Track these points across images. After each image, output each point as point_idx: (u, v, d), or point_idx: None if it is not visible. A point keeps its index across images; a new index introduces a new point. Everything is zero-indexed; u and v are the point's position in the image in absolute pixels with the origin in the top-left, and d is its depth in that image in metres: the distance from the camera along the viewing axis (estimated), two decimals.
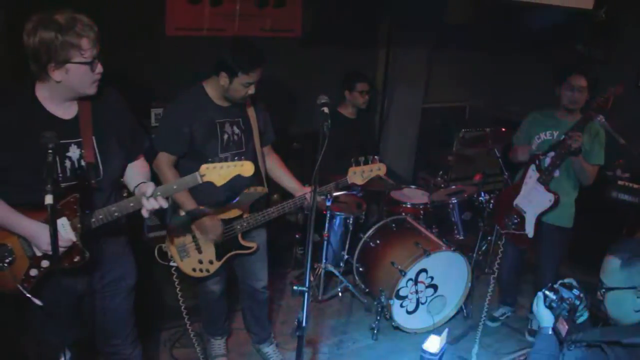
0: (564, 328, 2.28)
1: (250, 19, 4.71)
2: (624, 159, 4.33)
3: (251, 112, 3.22)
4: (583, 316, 2.42)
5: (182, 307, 3.35)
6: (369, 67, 5.63)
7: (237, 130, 3.16)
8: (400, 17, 5.47)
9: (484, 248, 5.05)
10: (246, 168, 2.51)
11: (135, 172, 2.62)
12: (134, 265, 2.79)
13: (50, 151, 1.97)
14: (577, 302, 2.36)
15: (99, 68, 2.27)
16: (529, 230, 3.85)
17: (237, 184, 3.13)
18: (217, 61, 2.97)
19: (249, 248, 3.27)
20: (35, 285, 2.33)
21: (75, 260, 2.34)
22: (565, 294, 2.36)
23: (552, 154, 3.76)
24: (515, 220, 3.89)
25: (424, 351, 3.58)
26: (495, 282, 4.16)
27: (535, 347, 2.32)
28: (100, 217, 2.35)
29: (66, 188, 2.31)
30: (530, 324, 4.24)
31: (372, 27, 5.61)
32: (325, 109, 2.55)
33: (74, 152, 2.34)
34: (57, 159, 2.26)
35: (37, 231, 2.24)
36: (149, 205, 2.35)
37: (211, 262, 3.20)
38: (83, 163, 2.36)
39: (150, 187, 2.37)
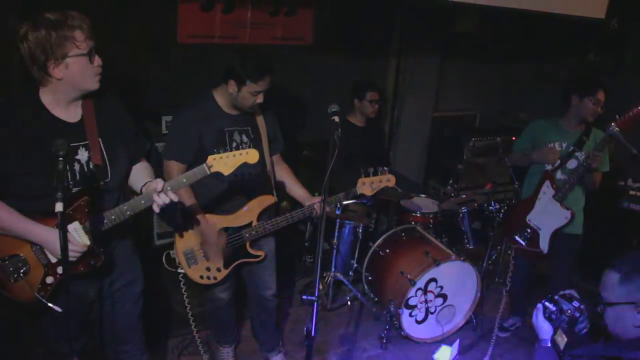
0: (562, 340, 2.24)
1: (262, 27, 4.73)
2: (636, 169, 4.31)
3: (260, 120, 3.22)
4: (586, 327, 2.39)
5: (190, 314, 3.34)
6: (379, 75, 5.62)
7: (245, 139, 3.16)
8: (411, 26, 5.47)
9: (493, 257, 5.02)
10: (251, 155, 2.51)
11: (140, 173, 2.63)
12: (141, 271, 2.80)
13: (60, 159, 1.96)
14: (577, 314, 2.32)
15: (98, 60, 2.28)
16: (544, 247, 3.86)
17: (246, 189, 3.16)
18: (225, 69, 2.97)
19: (257, 256, 3.27)
20: (52, 293, 2.33)
21: (92, 263, 2.35)
22: (565, 305, 2.32)
23: (570, 164, 3.78)
24: (528, 236, 3.89)
25: None
26: (507, 293, 4.13)
27: None
28: (113, 217, 2.37)
29: (76, 192, 2.32)
30: None
31: (383, 36, 5.61)
32: (336, 118, 2.55)
33: (82, 154, 2.36)
34: (67, 165, 2.26)
35: (50, 237, 2.24)
36: (160, 200, 2.36)
37: (219, 270, 3.20)
38: (92, 165, 2.38)
39: (159, 183, 2.38)
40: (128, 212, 2.39)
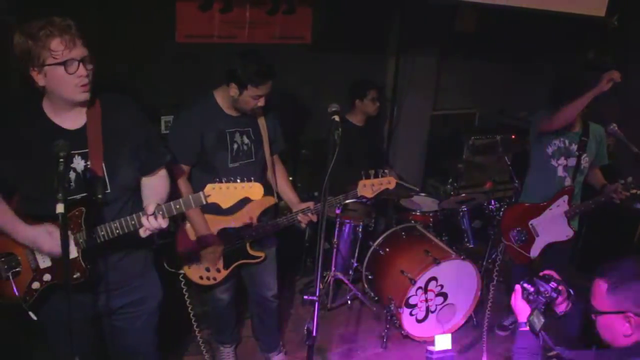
0: (539, 322, 2.22)
1: (260, 26, 4.71)
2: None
3: (262, 121, 3.21)
4: (566, 308, 2.37)
5: (191, 314, 3.33)
6: (378, 74, 5.61)
7: (246, 140, 3.15)
8: (409, 25, 5.46)
9: (494, 256, 5.01)
10: (255, 190, 2.33)
11: (150, 189, 2.50)
12: (157, 284, 2.67)
13: (61, 160, 1.93)
14: (554, 295, 2.30)
15: (81, 71, 2.14)
16: (534, 253, 3.91)
17: None
18: (227, 72, 2.96)
19: (257, 257, 3.26)
20: (37, 299, 2.28)
21: (75, 276, 2.25)
22: (542, 287, 2.31)
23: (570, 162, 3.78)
24: (524, 238, 3.91)
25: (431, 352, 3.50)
26: (504, 290, 4.12)
27: (515, 346, 2.27)
28: (102, 233, 2.26)
29: (72, 201, 2.23)
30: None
31: (382, 35, 5.60)
32: (336, 117, 2.52)
33: (78, 163, 2.27)
34: (65, 171, 2.15)
35: (36, 235, 2.19)
36: (148, 224, 2.23)
37: (218, 271, 3.20)
38: (88, 175, 2.28)
39: (152, 205, 2.25)
40: (118, 231, 2.27)
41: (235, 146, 3.10)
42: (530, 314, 2.26)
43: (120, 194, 2.39)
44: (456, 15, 5.88)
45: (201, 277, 3.20)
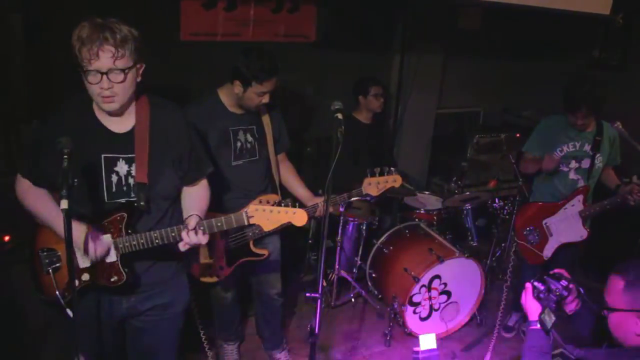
0: (550, 320, 2.24)
1: (265, 24, 4.71)
2: None
3: (266, 119, 3.22)
4: (576, 307, 2.39)
5: (194, 311, 3.33)
6: (383, 72, 5.61)
7: (250, 138, 3.15)
8: (414, 23, 5.46)
9: (497, 254, 5.01)
10: (298, 216, 2.29)
11: (190, 199, 2.48)
12: (184, 290, 2.65)
13: (65, 157, 1.92)
14: (565, 293, 2.32)
15: (103, 83, 2.08)
16: (547, 254, 3.86)
17: (250, 188, 3.15)
18: (231, 69, 2.96)
19: (260, 255, 3.26)
20: (75, 297, 2.27)
21: (113, 280, 2.26)
22: (553, 285, 2.32)
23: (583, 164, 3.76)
24: (537, 237, 3.87)
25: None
26: (509, 289, 4.10)
27: (526, 344, 2.28)
28: (142, 241, 2.25)
29: (113, 205, 2.24)
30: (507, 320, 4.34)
31: (387, 33, 5.60)
32: (339, 115, 2.51)
33: (121, 167, 2.25)
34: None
35: (77, 234, 2.15)
36: (188, 238, 2.22)
37: (221, 268, 3.20)
38: (131, 180, 2.26)
39: (193, 220, 2.26)
40: (157, 241, 2.26)
41: (239, 144, 3.11)
42: (542, 312, 2.27)
43: (161, 202, 2.36)
44: (461, 13, 5.87)
45: (205, 275, 3.20)
